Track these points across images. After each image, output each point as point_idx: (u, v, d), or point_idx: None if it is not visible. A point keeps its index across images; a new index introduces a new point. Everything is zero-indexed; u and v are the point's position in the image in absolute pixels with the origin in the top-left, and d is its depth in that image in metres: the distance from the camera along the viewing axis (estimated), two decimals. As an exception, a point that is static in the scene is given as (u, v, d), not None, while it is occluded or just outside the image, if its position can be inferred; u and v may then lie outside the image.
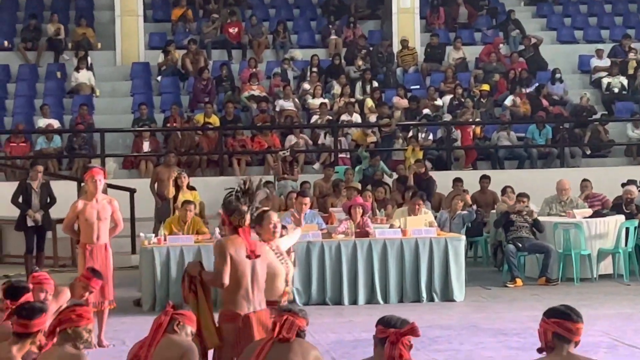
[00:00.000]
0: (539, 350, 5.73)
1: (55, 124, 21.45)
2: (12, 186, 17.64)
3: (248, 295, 7.38)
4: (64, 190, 17.13)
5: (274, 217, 8.06)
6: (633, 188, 16.90)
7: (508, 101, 22.81)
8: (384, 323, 5.70)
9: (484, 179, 18.66)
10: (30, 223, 16.11)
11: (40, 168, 16.57)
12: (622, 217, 15.85)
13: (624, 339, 11.11)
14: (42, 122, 21.48)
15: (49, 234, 16.85)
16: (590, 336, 10.34)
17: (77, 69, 23.23)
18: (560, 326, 5.61)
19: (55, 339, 6.32)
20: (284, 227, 12.69)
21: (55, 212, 16.34)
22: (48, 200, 16.23)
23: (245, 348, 6.79)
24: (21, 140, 20.91)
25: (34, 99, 23.06)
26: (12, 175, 19.94)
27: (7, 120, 22.21)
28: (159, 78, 23.82)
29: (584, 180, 17.78)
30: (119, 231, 11.81)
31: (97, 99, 23.26)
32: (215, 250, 7.44)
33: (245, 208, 7.51)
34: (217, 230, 13.94)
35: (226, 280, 7.28)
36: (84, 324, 6.31)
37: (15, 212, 16.56)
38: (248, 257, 7.38)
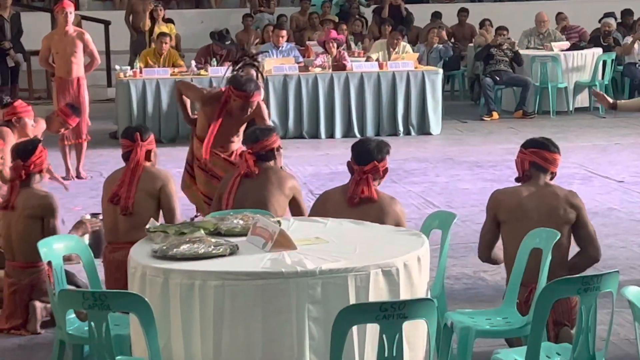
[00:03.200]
0: (517, 180, 5.79)
1: (26, -48, 20.97)
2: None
3: None
4: (38, 22, 16.91)
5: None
6: (611, 20, 16.85)
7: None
8: (355, 155, 5.67)
9: (462, 12, 18.51)
10: (10, 64, 16.09)
11: None
12: (599, 50, 15.82)
13: (598, 171, 11.23)
14: (12, -49, 20.96)
15: (24, 66, 16.73)
16: (565, 168, 10.42)
17: None
18: (537, 155, 5.66)
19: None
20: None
21: (30, 44, 16.19)
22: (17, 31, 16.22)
23: (221, 181, 6.80)
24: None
25: None
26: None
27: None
28: None
29: (559, 13, 17.73)
30: (96, 65, 11.70)
31: None
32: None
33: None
34: (193, 63, 13.86)
35: None
36: (47, 161, 6.42)
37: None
38: None
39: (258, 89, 7.73)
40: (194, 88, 8.28)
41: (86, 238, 7.58)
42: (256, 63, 8.80)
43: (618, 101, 7.94)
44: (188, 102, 8.30)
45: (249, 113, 7.73)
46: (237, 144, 7.88)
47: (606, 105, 7.69)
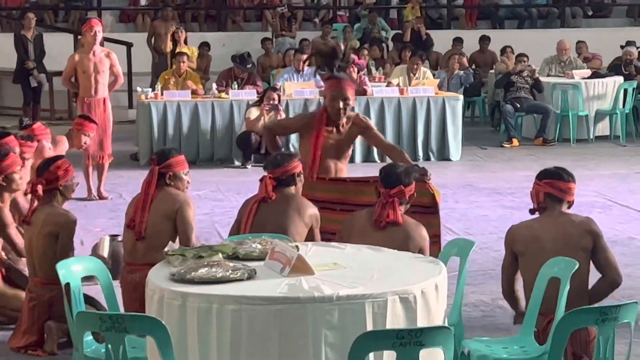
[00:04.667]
0: (531, 212, 5.78)
1: (51, -26, 21.11)
2: (5, 37, 17.57)
3: None
4: (60, 43, 17.02)
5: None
6: (633, 49, 16.81)
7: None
8: (382, 179, 5.71)
9: (484, 40, 18.53)
10: (33, 84, 16.21)
11: (32, 15, 16.51)
12: (620, 79, 15.80)
13: (618, 199, 11.19)
14: (36, -27, 21.13)
15: (46, 87, 16.84)
16: (584, 196, 10.42)
17: None
18: (551, 186, 5.65)
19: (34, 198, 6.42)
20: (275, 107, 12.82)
21: (52, 65, 16.30)
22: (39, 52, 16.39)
23: (241, 205, 6.77)
24: (16, -9, 20.62)
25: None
26: (8, 26, 19.76)
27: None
28: None
29: (579, 41, 17.74)
30: (119, 84, 11.76)
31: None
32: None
33: None
34: (214, 85, 13.93)
35: None
36: (70, 176, 6.44)
37: (11, 64, 16.54)
38: None
39: (349, 79, 7.52)
40: (288, 119, 8.07)
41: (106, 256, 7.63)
42: (346, 64, 8.26)
43: None
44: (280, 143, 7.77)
45: (347, 102, 7.23)
46: (345, 171, 7.27)
47: None
